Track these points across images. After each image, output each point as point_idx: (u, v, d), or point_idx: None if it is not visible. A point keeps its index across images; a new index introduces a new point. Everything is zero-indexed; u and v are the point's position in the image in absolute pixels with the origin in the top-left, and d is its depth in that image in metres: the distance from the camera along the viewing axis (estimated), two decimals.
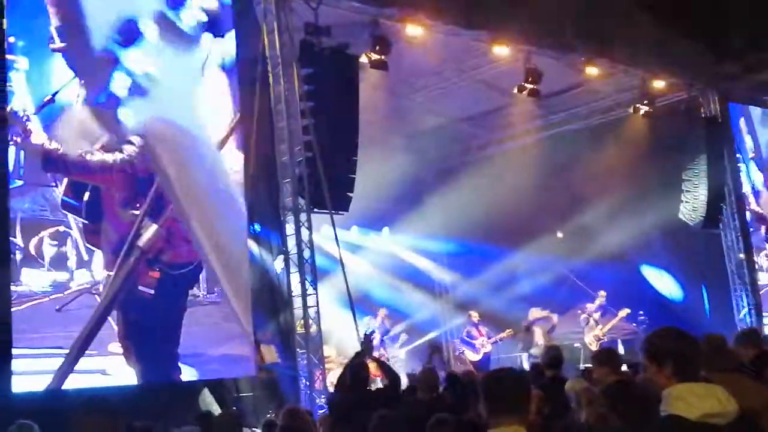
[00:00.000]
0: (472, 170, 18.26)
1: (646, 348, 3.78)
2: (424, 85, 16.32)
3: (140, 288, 10.38)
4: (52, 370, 9.53)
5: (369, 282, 17.47)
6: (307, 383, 11.52)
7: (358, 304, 13.45)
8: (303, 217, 11.92)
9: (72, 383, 9.59)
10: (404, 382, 9.63)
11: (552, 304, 17.29)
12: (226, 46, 11.73)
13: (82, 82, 10.18)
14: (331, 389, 10.17)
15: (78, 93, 10.15)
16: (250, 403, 11.54)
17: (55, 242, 9.99)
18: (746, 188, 18.87)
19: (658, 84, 17.15)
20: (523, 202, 17.43)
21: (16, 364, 9.31)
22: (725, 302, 17.98)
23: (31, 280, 9.75)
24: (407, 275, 18.92)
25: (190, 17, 11.20)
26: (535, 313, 16.89)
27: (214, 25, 11.50)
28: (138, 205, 10.50)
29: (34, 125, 9.81)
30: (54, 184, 10.08)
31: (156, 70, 10.71)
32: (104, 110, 10.28)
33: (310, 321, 11.71)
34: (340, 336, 14.35)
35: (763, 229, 19.01)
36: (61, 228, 10.07)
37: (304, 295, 11.73)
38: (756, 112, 19.44)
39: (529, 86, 15.53)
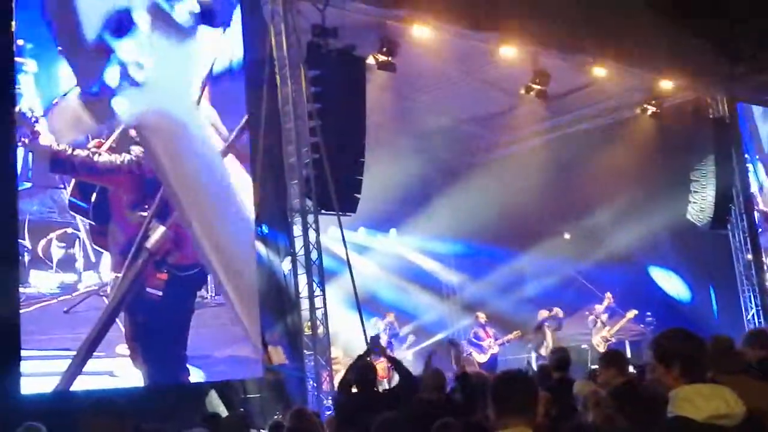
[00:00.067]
0: (480, 171, 18.24)
1: (654, 349, 3.79)
2: (431, 86, 16.29)
3: (148, 290, 10.39)
4: (60, 371, 9.55)
5: (376, 283, 17.47)
6: (315, 385, 11.52)
7: (366, 305, 13.44)
8: (310, 218, 11.92)
9: (80, 385, 9.61)
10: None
11: (559, 305, 17.21)
12: (233, 47, 11.74)
13: (76, 72, 10.10)
14: None
15: (71, 83, 10.09)
16: (258, 404, 11.54)
17: (63, 244, 10.01)
18: (754, 188, 18.82)
19: (666, 84, 17.11)
20: (530, 204, 17.42)
21: (24, 366, 9.33)
22: (733, 303, 17.94)
23: (39, 282, 9.78)
24: (414, 277, 18.92)
25: (184, 8, 11.07)
26: (543, 313, 16.87)
27: (209, 17, 11.37)
28: (146, 206, 10.51)
29: (42, 127, 9.84)
30: (62, 185, 10.11)
31: (150, 62, 10.58)
32: (98, 101, 10.18)
33: (318, 322, 11.71)
34: (348, 337, 14.34)
35: None
36: (69, 230, 10.10)
37: (311, 297, 11.73)
38: (758, 109, 19.37)
39: (537, 87, 15.53)
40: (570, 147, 17.77)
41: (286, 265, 12.60)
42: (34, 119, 9.79)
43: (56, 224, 10.05)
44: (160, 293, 10.44)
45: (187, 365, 10.53)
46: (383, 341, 15.48)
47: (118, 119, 10.31)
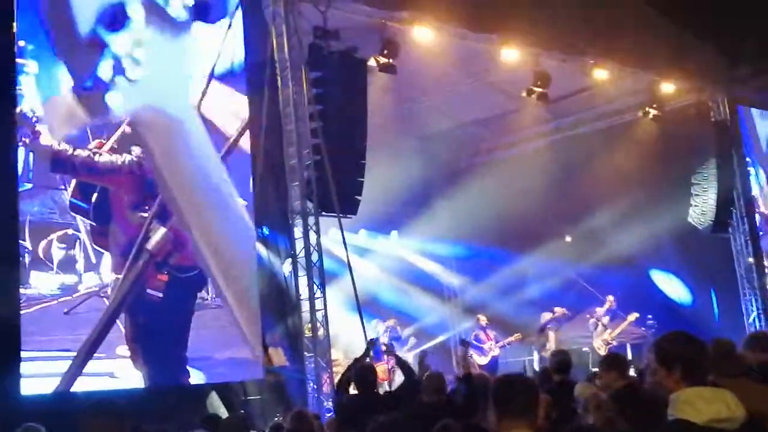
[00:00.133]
0: (481, 174, 18.21)
1: (655, 352, 3.79)
2: (432, 88, 16.29)
3: (149, 291, 10.39)
4: (60, 373, 9.55)
5: (377, 285, 17.45)
6: (315, 386, 11.51)
7: (366, 307, 13.43)
8: (311, 220, 11.91)
9: (80, 386, 9.61)
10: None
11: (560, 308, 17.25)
12: (235, 48, 11.75)
13: (69, 66, 10.05)
14: None
15: (65, 78, 10.05)
16: (258, 406, 11.54)
17: (64, 245, 10.01)
18: (755, 191, 18.82)
19: (668, 88, 17.12)
20: (531, 206, 17.41)
21: (24, 367, 9.33)
22: (734, 306, 17.93)
23: (40, 283, 9.77)
24: (415, 279, 18.90)
25: (178, 3, 11.00)
26: (546, 316, 16.86)
27: (204, 12, 11.31)
28: (146, 207, 10.51)
29: (43, 127, 9.85)
30: (62, 186, 10.11)
31: (144, 57, 10.50)
32: (91, 95, 10.12)
33: (318, 324, 11.70)
34: (348, 339, 14.32)
35: None
36: (70, 231, 10.09)
37: (312, 299, 11.72)
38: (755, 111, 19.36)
39: (538, 90, 15.50)
40: (571, 149, 17.76)
41: (286, 267, 12.60)
42: (35, 119, 9.79)
43: (57, 225, 10.05)
44: (161, 295, 10.44)
45: (188, 367, 10.53)
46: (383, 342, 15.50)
47: (112, 114, 10.25)
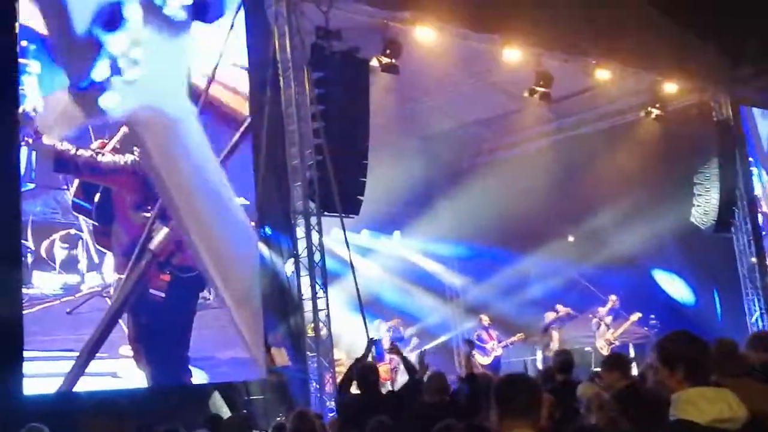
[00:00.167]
0: (483, 174, 18.21)
1: (658, 352, 3.79)
2: (434, 88, 16.29)
3: (151, 291, 10.40)
4: (62, 372, 9.56)
5: (379, 285, 17.46)
6: (317, 386, 11.51)
7: (369, 307, 13.44)
8: (313, 220, 11.92)
9: (83, 386, 9.62)
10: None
11: None
12: (237, 48, 11.75)
13: (65, 67, 10.02)
14: None
15: (60, 78, 10.02)
16: (261, 406, 11.55)
17: (66, 245, 10.02)
18: (758, 191, 18.80)
19: (670, 87, 17.11)
20: (534, 206, 17.40)
21: (27, 367, 9.34)
22: (737, 306, 17.93)
23: (43, 283, 9.78)
24: (418, 279, 18.90)
25: (176, 2, 10.90)
26: (550, 315, 16.86)
27: (202, 12, 11.25)
28: (149, 207, 10.51)
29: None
30: (65, 186, 10.12)
31: (142, 57, 10.43)
32: (87, 96, 10.06)
33: (321, 324, 11.70)
34: (351, 339, 14.33)
35: None
36: (72, 231, 10.10)
37: (314, 299, 11.73)
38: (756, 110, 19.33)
39: (540, 89, 15.49)
40: (574, 150, 17.75)
41: (288, 267, 12.61)
42: (37, 119, 9.81)
43: (59, 225, 10.06)
44: (163, 294, 10.44)
45: (190, 367, 10.54)
46: (386, 343, 15.49)
47: (108, 115, 10.18)
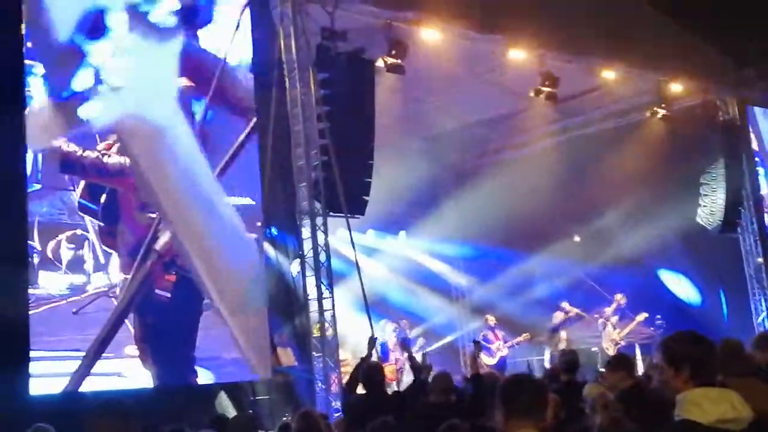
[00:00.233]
0: (489, 174, 18.20)
1: (663, 352, 3.78)
2: (440, 88, 16.27)
3: (157, 291, 10.42)
4: (68, 372, 9.59)
5: (385, 286, 17.46)
6: (323, 386, 11.52)
7: (374, 307, 13.43)
8: (319, 220, 11.93)
9: (88, 386, 9.64)
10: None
11: None
12: (243, 49, 11.77)
13: (47, 75, 9.97)
14: None
15: (42, 87, 9.98)
16: (267, 406, 11.54)
17: (73, 245, 10.04)
18: (764, 191, 18.76)
19: (676, 87, 17.09)
20: (539, 206, 17.38)
21: (33, 367, 9.37)
22: (743, 306, 17.90)
23: (49, 283, 9.81)
24: (423, 279, 18.90)
25: (164, 9, 10.82)
26: (559, 315, 16.85)
27: (191, 17, 11.19)
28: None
29: None
30: (71, 187, 10.15)
31: (127, 65, 10.37)
32: (68, 106, 9.99)
33: (326, 324, 11.71)
34: (356, 339, 14.31)
35: None
36: (79, 231, 10.13)
37: (320, 299, 11.73)
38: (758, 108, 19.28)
39: (546, 89, 15.48)
40: (579, 149, 17.72)
41: (294, 268, 12.61)
42: None
43: (66, 226, 10.09)
44: (169, 295, 10.46)
45: (196, 367, 10.55)
46: (392, 344, 15.52)
47: (90, 124, 10.10)
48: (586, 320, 17.24)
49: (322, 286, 11.79)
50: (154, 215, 10.50)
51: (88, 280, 10.09)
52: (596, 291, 18.01)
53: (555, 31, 14.15)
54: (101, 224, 10.22)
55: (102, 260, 10.19)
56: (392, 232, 18.83)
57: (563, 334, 16.68)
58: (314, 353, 11.72)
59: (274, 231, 12.65)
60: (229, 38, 11.62)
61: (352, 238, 12.29)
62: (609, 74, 15.90)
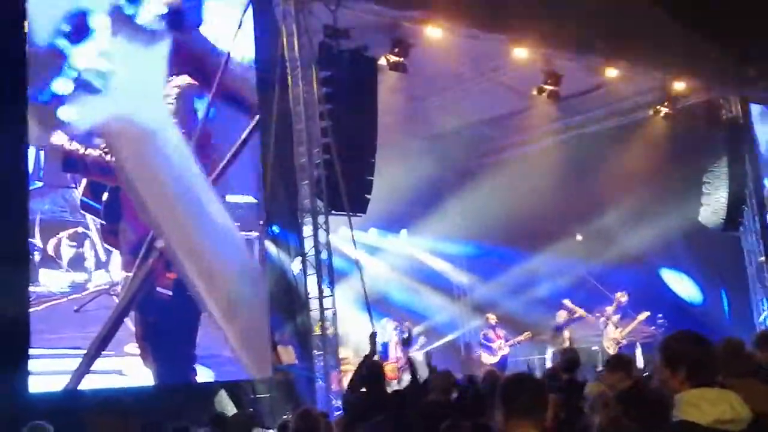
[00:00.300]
0: (491, 172, 18.21)
1: (661, 352, 3.77)
2: (443, 87, 16.27)
3: (158, 289, 10.43)
4: (69, 370, 9.60)
5: (387, 284, 17.47)
6: (324, 385, 11.52)
7: (376, 306, 13.45)
8: (321, 219, 11.92)
9: (88, 384, 9.65)
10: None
11: None
12: (245, 47, 11.76)
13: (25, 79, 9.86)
14: None
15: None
16: (267, 404, 11.54)
17: (74, 243, 10.05)
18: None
19: (679, 86, 17.05)
20: (542, 205, 17.37)
21: (33, 365, 9.39)
22: (745, 305, 17.87)
23: (50, 281, 9.82)
24: (425, 277, 18.91)
25: (149, 11, 10.78)
26: (562, 315, 16.83)
27: (178, 20, 11.13)
28: None
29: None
30: (73, 185, 10.15)
31: (111, 68, 10.29)
32: (47, 109, 9.93)
33: (327, 323, 11.70)
34: (358, 338, 14.33)
35: None
36: (80, 229, 10.14)
37: (321, 297, 11.72)
38: (755, 109, 19.19)
39: (549, 88, 15.48)
40: (582, 148, 17.72)
41: (296, 266, 12.62)
42: None
43: (67, 223, 10.11)
44: (170, 293, 10.47)
45: (196, 365, 10.56)
46: (393, 343, 15.52)
47: (72, 126, 10.04)
48: (587, 319, 17.21)
49: (324, 284, 11.78)
50: None
51: (89, 277, 10.11)
52: (598, 290, 17.99)
53: (558, 30, 14.11)
54: (103, 222, 10.23)
55: (103, 258, 10.20)
56: (394, 230, 18.83)
57: (567, 333, 16.66)
58: (315, 351, 11.71)
59: (275, 229, 12.66)
60: (232, 36, 11.62)
61: (353, 237, 12.29)
62: (612, 73, 15.86)
